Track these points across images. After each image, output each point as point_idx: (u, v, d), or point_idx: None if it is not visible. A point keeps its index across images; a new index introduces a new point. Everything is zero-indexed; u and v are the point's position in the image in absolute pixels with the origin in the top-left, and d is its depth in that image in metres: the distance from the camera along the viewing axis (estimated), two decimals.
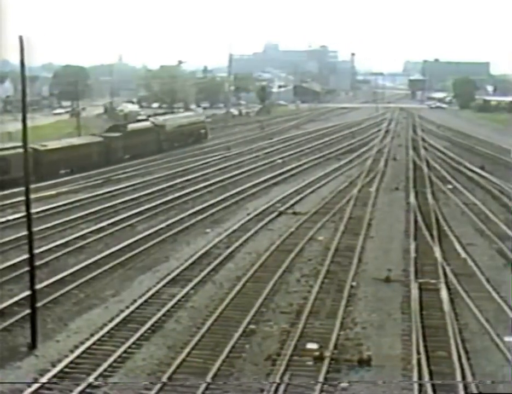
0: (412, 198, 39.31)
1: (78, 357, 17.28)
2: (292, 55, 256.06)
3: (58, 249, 27.23)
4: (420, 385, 15.51)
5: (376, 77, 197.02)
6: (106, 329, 19.08)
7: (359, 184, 44.52)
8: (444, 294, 22.23)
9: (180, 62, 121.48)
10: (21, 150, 20.58)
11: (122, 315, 20.14)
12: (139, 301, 21.38)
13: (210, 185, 43.83)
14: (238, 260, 26.48)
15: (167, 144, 65.20)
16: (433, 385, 15.45)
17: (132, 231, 30.96)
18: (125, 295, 22.22)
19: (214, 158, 57.84)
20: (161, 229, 30.95)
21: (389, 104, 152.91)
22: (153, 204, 36.68)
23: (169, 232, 30.32)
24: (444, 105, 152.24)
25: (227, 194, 40.15)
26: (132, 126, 61.67)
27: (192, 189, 41.94)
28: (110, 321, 19.71)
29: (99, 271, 24.43)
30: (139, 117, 74.37)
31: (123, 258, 26.02)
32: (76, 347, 17.92)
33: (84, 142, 53.96)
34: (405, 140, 75.33)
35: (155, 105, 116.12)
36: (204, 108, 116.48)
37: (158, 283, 23.32)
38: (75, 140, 54.75)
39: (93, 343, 18.11)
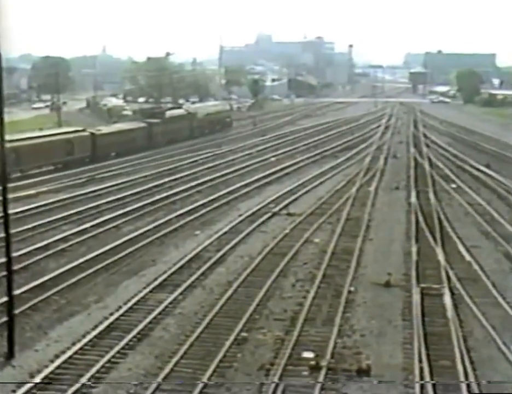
0: (413, 198, 39.36)
1: (58, 367, 17.18)
2: (286, 47, 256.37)
3: (38, 252, 27.12)
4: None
5: (375, 70, 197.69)
6: (88, 337, 18.99)
7: (357, 183, 44.56)
8: (447, 299, 22.25)
9: (167, 54, 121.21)
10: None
11: (106, 322, 20.06)
12: (124, 308, 21.31)
13: (200, 184, 43.78)
14: (229, 264, 26.45)
15: (198, 130, 73.68)
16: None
17: (117, 232, 30.89)
18: (109, 301, 22.13)
19: (204, 156, 57.80)
20: (148, 230, 30.89)
21: (389, 99, 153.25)
22: (140, 204, 36.61)
23: (156, 234, 30.25)
24: (447, 100, 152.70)
25: (218, 194, 40.11)
26: (169, 113, 70.21)
27: (180, 188, 41.87)
28: (93, 329, 19.62)
29: (82, 275, 24.33)
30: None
31: (107, 262, 25.93)
32: (57, 356, 17.82)
33: (131, 127, 62.17)
34: (406, 137, 75.49)
35: (141, 99, 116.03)
36: (193, 103, 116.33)
37: (144, 288, 23.25)
38: (123, 126, 62.98)
39: (75, 353, 18.02)
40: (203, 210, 35.60)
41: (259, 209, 36.30)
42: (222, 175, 47.34)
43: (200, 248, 28.28)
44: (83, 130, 55.83)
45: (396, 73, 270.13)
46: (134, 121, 66.90)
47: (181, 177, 46.49)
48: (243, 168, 51.15)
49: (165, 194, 39.86)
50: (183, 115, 73.12)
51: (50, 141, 50.07)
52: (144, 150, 59.53)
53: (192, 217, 34.00)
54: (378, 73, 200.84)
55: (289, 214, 35.34)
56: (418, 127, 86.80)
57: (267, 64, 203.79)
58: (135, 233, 30.20)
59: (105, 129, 58.95)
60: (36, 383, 16.03)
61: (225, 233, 31.01)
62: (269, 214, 35.14)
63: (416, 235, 30.75)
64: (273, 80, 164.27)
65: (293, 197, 39.97)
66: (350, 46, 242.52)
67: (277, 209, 36.46)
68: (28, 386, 16.01)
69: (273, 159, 56.44)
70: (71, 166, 49.83)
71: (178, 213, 34.83)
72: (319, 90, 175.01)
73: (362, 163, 53.60)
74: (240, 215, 34.72)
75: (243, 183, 44.06)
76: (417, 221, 33.35)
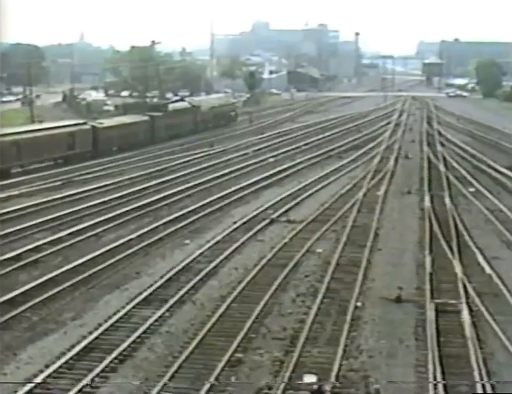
0: (427, 203, 39.36)
1: (29, 393, 17.07)
2: (285, 35, 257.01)
3: (7, 263, 27.03)
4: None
5: (385, 61, 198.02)
6: (64, 358, 18.91)
7: (365, 186, 44.57)
8: (465, 316, 22.20)
9: (154, 43, 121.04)
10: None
11: (84, 342, 19.99)
12: (105, 326, 21.24)
13: (190, 188, 43.75)
14: (222, 277, 26.41)
15: (202, 125, 76.90)
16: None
17: (97, 241, 30.81)
18: (88, 319, 22.06)
19: (195, 156, 57.82)
20: (132, 239, 30.83)
21: (400, 93, 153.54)
22: (123, 210, 36.54)
23: (141, 244, 30.19)
24: (465, 94, 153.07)
25: (210, 199, 40.09)
26: (172, 106, 73.93)
27: (168, 192, 41.84)
28: (69, 349, 19.54)
29: (57, 289, 24.24)
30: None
31: (86, 274, 25.87)
32: (28, 380, 17.72)
33: (133, 120, 65.18)
34: (419, 135, 75.59)
35: (125, 93, 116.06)
36: (182, 98, 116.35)
37: (127, 303, 23.19)
38: (125, 119, 65.81)
39: (48, 376, 17.93)
40: (194, 217, 35.55)
41: (255, 216, 36.25)
42: (215, 178, 47.33)
43: (190, 258, 28.22)
44: (84, 123, 59.30)
45: (408, 64, 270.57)
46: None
47: (170, 180, 46.46)
48: (238, 169, 51.15)
49: (151, 199, 39.81)
50: (186, 108, 76.01)
51: (51, 134, 52.79)
52: (146, 145, 63.07)
53: (181, 224, 33.94)
54: (388, 64, 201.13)
55: (288, 221, 35.31)
56: (433, 124, 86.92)
57: (264, 55, 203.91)
58: (118, 243, 30.11)
59: (106, 122, 61.72)
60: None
61: (218, 242, 30.95)
62: (267, 221, 35.10)
63: (430, 244, 30.73)
64: (271, 72, 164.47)
65: (293, 202, 39.95)
66: (357, 34, 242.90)
67: (275, 215, 36.42)
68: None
69: (271, 160, 56.47)
70: (72, 161, 52.98)
71: (166, 219, 34.76)
72: (322, 83, 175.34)
73: (370, 165, 53.63)
74: (234, 223, 34.68)
75: (238, 187, 44.04)
76: (431, 229, 33.32)
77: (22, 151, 49.08)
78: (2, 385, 16.25)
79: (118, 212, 36.18)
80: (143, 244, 30.24)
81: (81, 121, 60.52)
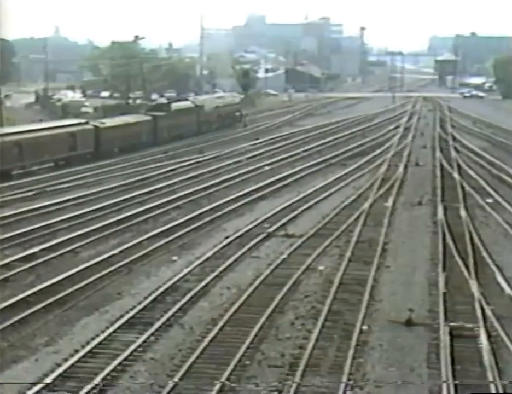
0: (440, 216, 39.41)
1: None
2: (283, 30, 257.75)
3: None
4: None
5: (393, 58, 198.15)
6: (35, 389, 18.83)
7: (371, 197, 44.63)
8: (483, 342, 22.19)
9: (137, 38, 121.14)
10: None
11: (59, 370, 19.92)
12: (82, 352, 21.18)
13: (178, 198, 43.73)
14: (213, 297, 26.39)
15: (206, 126, 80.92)
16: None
17: (74, 258, 30.76)
18: (63, 344, 22.00)
19: (183, 164, 57.83)
20: (113, 255, 30.80)
21: (410, 93, 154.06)
22: (103, 223, 36.52)
23: (123, 261, 30.16)
24: (482, 94, 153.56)
25: (200, 211, 40.07)
26: (176, 105, 77.35)
27: (154, 204, 41.84)
28: (42, 378, 19.47)
29: (29, 312, 24.18)
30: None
31: (61, 295, 25.81)
32: None
33: (135, 120, 68.90)
34: (431, 140, 75.79)
35: (105, 93, 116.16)
36: (169, 99, 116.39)
37: (107, 327, 23.14)
38: (128, 118, 69.58)
39: None
40: (181, 231, 35.52)
41: (250, 230, 36.26)
42: (205, 188, 47.34)
43: (177, 277, 28.21)
44: (86, 122, 62.89)
45: (419, 61, 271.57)
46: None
47: (156, 190, 46.46)
48: (231, 179, 51.16)
49: (134, 211, 39.79)
50: (190, 108, 79.54)
51: (53, 134, 56.07)
52: (148, 146, 66.79)
53: (167, 239, 33.93)
54: (397, 62, 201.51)
55: (287, 236, 35.32)
56: (446, 128, 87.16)
57: (259, 51, 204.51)
58: (97, 259, 30.06)
59: (108, 122, 65.30)
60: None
61: (209, 259, 30.96)
62: (262, 236, 35.10)
63: (443, 261, 30.74)
64: (267, 71, 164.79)
65: (292, 214, 39.97)
66: (362, 28, 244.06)
67: (272, 229, 36.42)
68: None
69: (267, 168, 56.52)
70: (74, 162, 56.57)
71: (150, 234, 34.74)
72: (324, 83, 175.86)
73: (376, 173, 53.72)
74: (227, 237, 34.68)
75: (230, 198, 44.04)
76: (445, 245, 33.36)
77: (25, 152, 52.36)
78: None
79: (97, 225, 36.12)
80: (125, 261, 30.15)
81: (83, 121, 63.94)
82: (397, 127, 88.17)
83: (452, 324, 23.57)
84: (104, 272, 28.50)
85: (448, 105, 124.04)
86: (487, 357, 21.10)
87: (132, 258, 30.63)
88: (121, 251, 31.50)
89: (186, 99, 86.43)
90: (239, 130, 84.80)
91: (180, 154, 64.07)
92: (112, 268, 29.14)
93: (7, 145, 50.47)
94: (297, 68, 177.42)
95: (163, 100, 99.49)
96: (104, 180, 50.09)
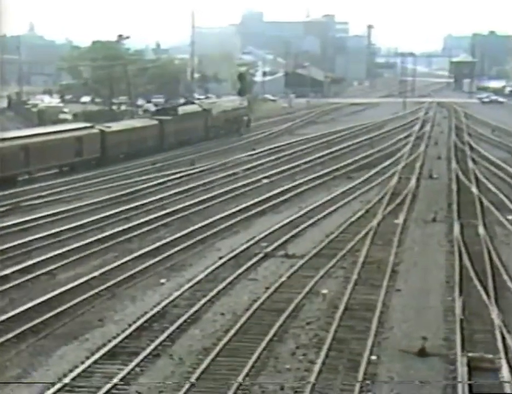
0: (456, 234, 39.40)
1: None
2: (282, 29, 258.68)
3: None
4: None
5: (404, 60, 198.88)
6: None
7: (380, 213, 44.63)
8: (505, 375, 22.13)
9: (121, 37, 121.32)
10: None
11: None
12: (58, 385, 21.07)
13: (167, 215, 43.71)
14: (205, 324, 26.35)
15: (213, 131, 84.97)
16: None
17: (50, 281, 30.71)
18: (38, 376, 21.94)
19: (172, 177, 57.82)
20: (94, 278, 30.75)
21: (423, 98, 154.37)
22: (83, 242, 36.47)
23: (105, 284, 30.10)
24: (502, 99, 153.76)
25: (191, 228, 40.06)
26: (182, 109, 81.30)
27: (141, 220, 41.82)
28: None
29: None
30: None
31: (36, 321, 25.74)
32: None
33: (142, 125, 72.99)
34: (446, 150, 75.89)
35: (85, 98, 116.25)
36: (156, 105, 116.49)
37: (87, 357, 23.09)
38: (133, 122, 74.70)
39: None
40: (171, 251, 35.48)
41: (246, 249, 36.26)
42: (197, 203, 47.30)
43: (166, 301, 28.17)
44: (91, 126, 66.26)
45: (432, 62, 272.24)
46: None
47: (142, 205, 46.43)
48: (225, 193, 51.15)
49: (118, 228, 39.76)
50: (197, 112, 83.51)
51: (59, 139, 59.41)
52: (155, 152, 70.26)
53: (155, 260, 33.89)
54: (408, 63, 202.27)
55: (287, 256, 35.33)
56: (463, 137, 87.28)
57: (256, 52, 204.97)
58: (76, 282, 30.01)
59: (114, 126, 69.06)
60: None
61: (200, 281, 30.93)
62: (260, 256, 35.08)
63: (460, 284, 30.73)
64: (265, 74, 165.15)
65: (293, 232, 39.96)
66: (370, 27, 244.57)
67: (270, 248, 36.40)
68: None
69: (265, 181, 56.52)
70: (80, 168, 59.91)
71: (136, 254, 34.71)
72: (327, 87, 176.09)
73: (386, 187, 53.73)
74: (221, 258, 34.67)
75: (224, 214, 44.01)
76: (462, 266, 33.35)
77: (31, 158, 55.36)
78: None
79: (77, 244, 36.09)
80: (108, 284, 30.11)
81: (88, 125, 67.36)
82: (408, 135, 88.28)
83: (470, 354, 23.51)
84: (84, 297, 28.42)
85: (464, 112, 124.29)
86: (510, 391, 21.05)
87: (115, 281, 30.55)
88: (103, 274, 31.42)
89: (193, 102, 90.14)
90: (234, 139, 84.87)
91: (170, 165, 64.05)
92: (93, 292, 29.06)
93: (14, 149, 53.94)
94: (298, 70, 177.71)
95: (150, 106, 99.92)
96: (84, 195, 49.99)
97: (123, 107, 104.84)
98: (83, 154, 61.95)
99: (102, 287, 29.71)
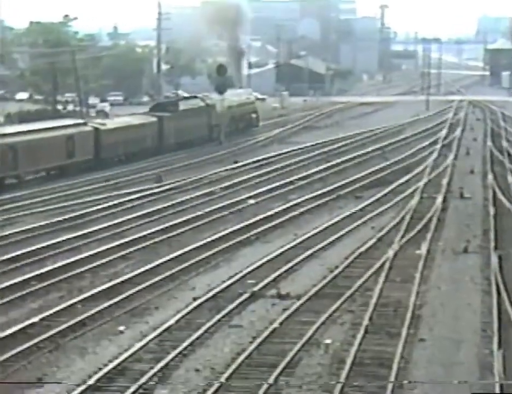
0: (494, 269, 39.44)
1: None
2: (273, 9, 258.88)
3: None
4: None
5: (426, 47, 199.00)
6: None
7: (396, 242, 44.66)
8: None
9: (67, 19, 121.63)
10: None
11: None
12: None
13: (127, 244, 43.69)
14: (176, 384, 26.30)
15: (218, 130, 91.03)
16: None
17: None
18: None
19: (134, 196, 57.76)
20: (31, 325, 30.69)
21: (451, 96, 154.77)
22: (16, 280, 36.37)
23: (47, 332, 30.03)
24: None
25: (157, 262, 40.07)
26: (184, 104, 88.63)
27: (94, 251, 41.84)
28: None
29: None
30: None
31: None
32: None
33: (140, 122, 79.08)
34: (480, 161, 76.10)
35: (22, 95, 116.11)
36: (112, 105, 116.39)
37: None
38: (131, 119, 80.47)
39: None
40: (131, 291, 35.45)
41: (227, 288, 36.30)
42: (165, 230, 47.29)
43: (125, 355, 28.10)
44: (84, 123, 73.18)
45: (463, 51, 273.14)
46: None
47: (95, 232, 46.38)
48: (200, 217, 51.13)
49: (65, 261, 39.69)
50: (200, 108, 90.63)
51: (49, 137, 65.38)
52: (153, 153, 77.26)
53: (111, 302, 33.84)
54: (432, 52, 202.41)
55: (279, 296, 35.32)
56: (500, 144, 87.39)
57: (241, 38, 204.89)
58: (9, 331, 29.92)
59: (110, 123, 75.84)
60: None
61: (169, 329, 30.90)
62: (245, 297, 35.07)
63: (499, 333, 30.73)
64: (251, 66, 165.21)
65: (286, 266, 39.95)
66: (383, 6, 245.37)
67: (259, 287, 36.39)
68: None
69: (250, 201, 56.51)
70: (71, 172, 66.14)
71: (87, 294, 34.66)
72: (330, 83, 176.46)
73: (404, 209, 53.75)
74: (196, 299, 34.65)
75: (200, 243, 44.01)
76: (501, 309, 33.38)
77: (20, 159, 61.92)
78: None
79: (10, 282, 36.06)
80: (50, 332, 30.01)
81: (80, 121, 74.61)
82: (432, 143, 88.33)
83: None
84: (18, 349, 28.30)
85: (502, 113, 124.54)
86: None
87: (59, 329, 30.44)
88: (43, 319, 31.37)
89: (195, 97, 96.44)
90: (212, 149, 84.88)
91: (129, 182, 64.09)
92: (31, 342, 28.95)
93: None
94: (293, 61, 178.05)
95: (106, 105, 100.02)
96: (18, 219, 49.97)
97: (70, 107, 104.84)
98: (75, 155, 68.08)
99: (43, 337, 29.58)
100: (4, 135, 62.78)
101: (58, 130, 67.92)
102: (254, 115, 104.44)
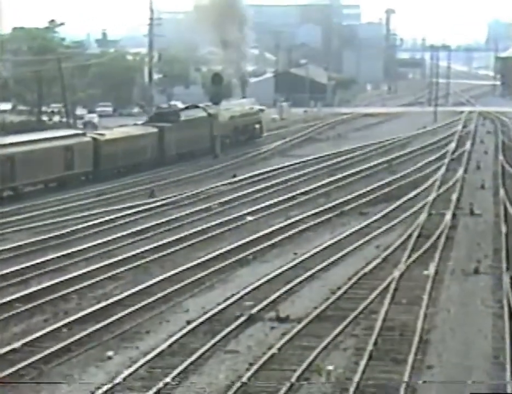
0: (507, 291, 39.39)
1: None
2: (271, 14, 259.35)
3: None
4: None
5: (434, 55, 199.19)
6: None
7: (403, 261, 44.62)
8: None
9: (53, 24, 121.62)
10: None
11: None
12: None
13: (117, 264, 43.64)
14: None
15: (220, 141, 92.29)
16: None
17: None
18: None
19: (126, 212, 57.78)
20: (13, 351, 30.61)
21: (461, 107, 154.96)
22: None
23: (29, 358, 29.91)
24: None
25: (149, 282, 40.05)
26: (185, 114, 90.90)
27: (82, 271, 41.79)
28: None
29: None
30: None
31: None
32: None
33: (140, 132, 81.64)
34: (492, 177, 76.09)
35: (5, 105, 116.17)
36: (100, 116, 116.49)
37: None
38: (131, 130, 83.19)
39: None
40: (121, 313, 35.39)
41: (223, 310, 36.28)
42: (158, 248, 47.24)
43: (114, 382, 27.95)
44: (83, 134, 75.27)
45: (473, 59, 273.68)
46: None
47: (84, 250, 46.32)
48: (196, 234, 51.12)
49: (50, 282, 39.62)
50: (202, 118, 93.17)
51: (46, 148, 66.99)
52: (154, 165, 79.78)
53: (99, 325, 33.77)
54: (441, 60, 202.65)
55: (278, 320, 35.29)
56: None
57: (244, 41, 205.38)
58: None
59: (109, 134, 77.66)
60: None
61: (161, 354, 30.87)
62: (242, 320, 35.01)
63: None
64: (249, 75, 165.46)
65: (286, 287, 39.94)
66: (389, 12, 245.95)
67: (257, 309, 36.33)
68: None
69: (249, 218, 56.52)
70: (70, 184, 68.12)
71: (74, 317, 34.61)
72: (332, 93, 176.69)
73: (411, 225, 53.78)
74: (189, 322, 34.63)
75: (194, 263, 44.04)
76: None
77: (18, 170, 63.41)
78: None
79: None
80: (33, 358, 29.93)
81: (79, 131, 75.66)
82: (441, 157, 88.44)
83: None
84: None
85: None
86: None
87: (43, 354, 30.38)
88: (26, 344, 31.30)
89: (197, 106, 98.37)
90: (208, 163, 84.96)
91: (121, 197, 64.12)
92: (13, 369, 28.85)
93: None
94: (293, 70, 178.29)
95: (94, 116, 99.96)
96: (5, 236, 49.96)
97: (56, 118, 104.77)
98: (74, 167, 69.85)
99: (25, 363, 29.49)
100: (1, 145, 63.70)
101: (57, 141, 69.83)
102: (257, 126, 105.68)
